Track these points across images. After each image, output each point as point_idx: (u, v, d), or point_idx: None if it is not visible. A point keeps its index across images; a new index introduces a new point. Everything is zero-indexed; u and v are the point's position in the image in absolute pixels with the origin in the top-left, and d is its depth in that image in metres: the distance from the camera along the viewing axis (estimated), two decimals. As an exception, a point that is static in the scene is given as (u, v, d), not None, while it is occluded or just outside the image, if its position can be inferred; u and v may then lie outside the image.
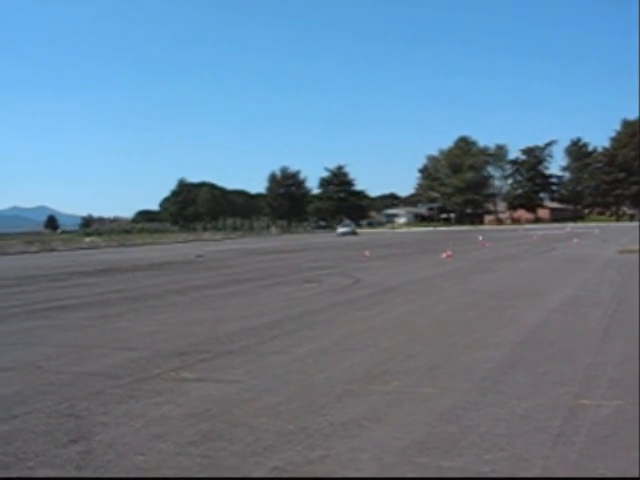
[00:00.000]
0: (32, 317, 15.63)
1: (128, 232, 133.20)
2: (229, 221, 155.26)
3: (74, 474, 5.36)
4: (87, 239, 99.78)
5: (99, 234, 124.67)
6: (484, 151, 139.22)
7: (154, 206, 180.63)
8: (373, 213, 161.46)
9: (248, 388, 7.83)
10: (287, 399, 7.28)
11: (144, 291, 20.96)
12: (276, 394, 7.50)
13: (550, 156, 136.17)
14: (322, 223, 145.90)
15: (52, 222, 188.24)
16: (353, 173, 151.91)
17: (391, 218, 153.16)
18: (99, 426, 6.60)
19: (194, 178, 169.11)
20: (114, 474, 5.32)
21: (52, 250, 72.20)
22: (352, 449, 5.66)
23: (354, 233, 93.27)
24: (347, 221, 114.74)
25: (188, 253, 47.87)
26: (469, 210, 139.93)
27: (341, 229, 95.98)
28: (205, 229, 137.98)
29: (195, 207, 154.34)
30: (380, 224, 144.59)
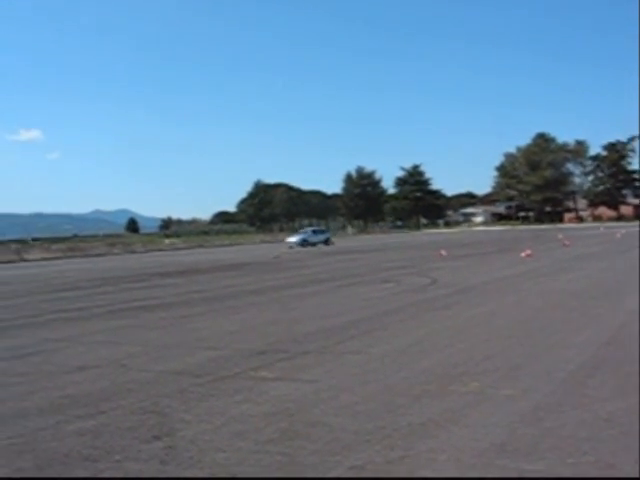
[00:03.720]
0: (115, 317, 16.08)
1: (206, 233, 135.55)
2: (305, 221, 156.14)
3: (159, 469, 5.50)
4: (166, 241, 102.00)
5: (178, 236, 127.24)
6: (563, 147, 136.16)
7: (231, 207, 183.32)
8: (450, 212, 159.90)
9: (326, 388, 7.88)
10: (365, 399, 7.29)
11: (223, 291, 21.30)
12: (354, 394, 7.52)
13: (633, 151, 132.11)
14: (399, 223, 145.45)
15: (133, 224, 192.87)
16: (429, 172, 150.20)
17: (468, 217, 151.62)
18: (181, 423, 6.75)
19: (270, 179, 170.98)
20: (197, 470, 5.43)
21: (133, 252, 74.20)
22: (431, 449, 5.63)
23: (326, 242, 68.18)
24: (308, 229, 78.05)
25: (265, 254, 48.38)
26: (548, 208, 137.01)
27: (292, 238, 69.15)
28: (282, 230, 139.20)
29: (271, 208, 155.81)
30: (457, 223, 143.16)
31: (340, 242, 73.83)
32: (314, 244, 66.01)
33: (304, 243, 65.44)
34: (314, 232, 71.80)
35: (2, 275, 38.86)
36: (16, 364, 10.63)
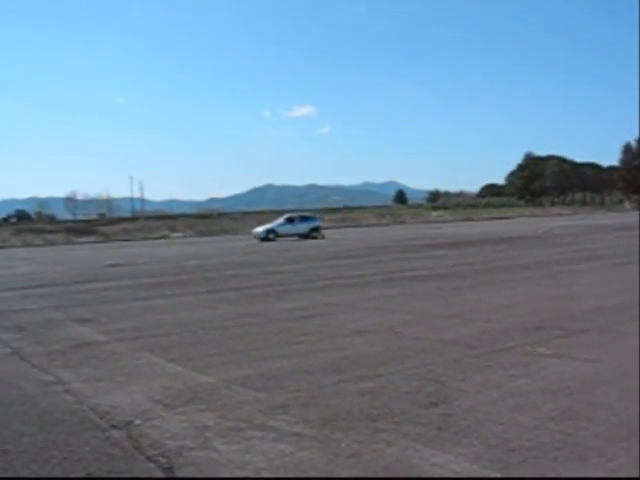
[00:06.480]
0: (388, 285, 16.60)
1: (474, 206, 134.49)
2: (578, 195, 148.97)
3: (436, 434, 5.61)
4: (434, 213, 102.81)
5: (445, 208, 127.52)
6: None
7: (500, 180, 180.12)
8: None
9: (608, 369, 7.51)
10: (653, 384, 6.85)
11: (493, 265, 21.07)
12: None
13: None
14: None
15: (401, 196, 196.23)
16: None
17: None
18: (457, 392, 6.82)
19: (541, 151, 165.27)
20: (474, 439, 5.46)
21: (401, 222, 75.78)
22: None
23: (309, 235, 48.69)
24: (284, 216, 52.26)
25: (535, 228, 47.00)
26: None
27: (259, 229, 49.96)
28: (552, 204, 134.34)
29: (542, 181, 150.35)
30: None
31: (616, 218, 69.45)
32: (287, 236, 48.20)
33: (268, 236, 47.32)
34: (289, 220, 49.82)
35: (285, 244, 41.60)
36: (300, 324, 11.43)
